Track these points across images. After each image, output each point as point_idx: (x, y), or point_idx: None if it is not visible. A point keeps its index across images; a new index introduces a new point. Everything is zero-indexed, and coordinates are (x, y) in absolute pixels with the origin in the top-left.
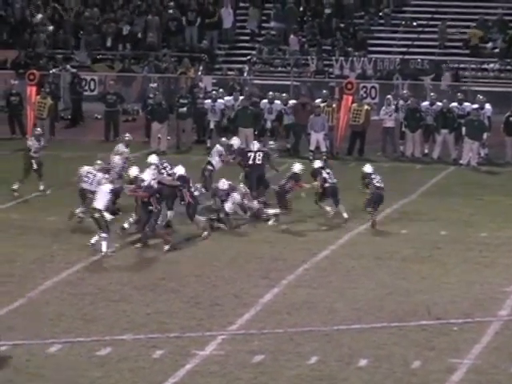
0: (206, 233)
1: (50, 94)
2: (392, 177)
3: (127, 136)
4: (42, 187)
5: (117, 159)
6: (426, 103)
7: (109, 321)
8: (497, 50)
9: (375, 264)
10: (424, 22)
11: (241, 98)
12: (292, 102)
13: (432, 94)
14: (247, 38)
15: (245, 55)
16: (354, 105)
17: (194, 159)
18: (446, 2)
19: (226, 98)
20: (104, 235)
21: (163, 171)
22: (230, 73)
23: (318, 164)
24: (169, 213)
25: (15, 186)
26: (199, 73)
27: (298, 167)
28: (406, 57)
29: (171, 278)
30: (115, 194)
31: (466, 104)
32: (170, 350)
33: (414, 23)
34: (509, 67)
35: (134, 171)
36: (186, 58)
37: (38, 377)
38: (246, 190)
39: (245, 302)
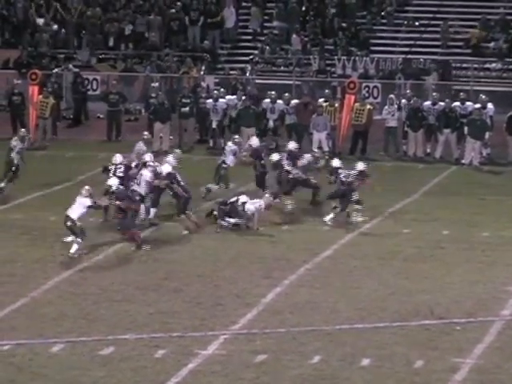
0: (186, 232)
1: (52, 93)
2: (394, 176)
3: (146, 134)
4: (2, 184)
5: (147, 157)
6: (428, 103)
7: (111, 320)
8: (500, 50)
9: (377, 264)
10: (426, 22)
11: (243, 97)
12: (294, 101)
13: (434, 93)
14: (249, 37)
15: (247, 55)
16: (357, 104)
17: (195, 159)
18: (449, 2)
19: (228, 97)
20: (79, 240)
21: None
22: (232, 72)
23: (336, 163)
24: (152, 210)
25: (2, 184)
26: (202, 72)
27: (362, 165)
28: (409, 56)
29: (173, 278)
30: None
31: (469, 103)
32: (173, 350)
33: (417, 23)
34: (511, 67)
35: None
36: (188, 57)
37: (41, 376)
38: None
39: (247, 302)
